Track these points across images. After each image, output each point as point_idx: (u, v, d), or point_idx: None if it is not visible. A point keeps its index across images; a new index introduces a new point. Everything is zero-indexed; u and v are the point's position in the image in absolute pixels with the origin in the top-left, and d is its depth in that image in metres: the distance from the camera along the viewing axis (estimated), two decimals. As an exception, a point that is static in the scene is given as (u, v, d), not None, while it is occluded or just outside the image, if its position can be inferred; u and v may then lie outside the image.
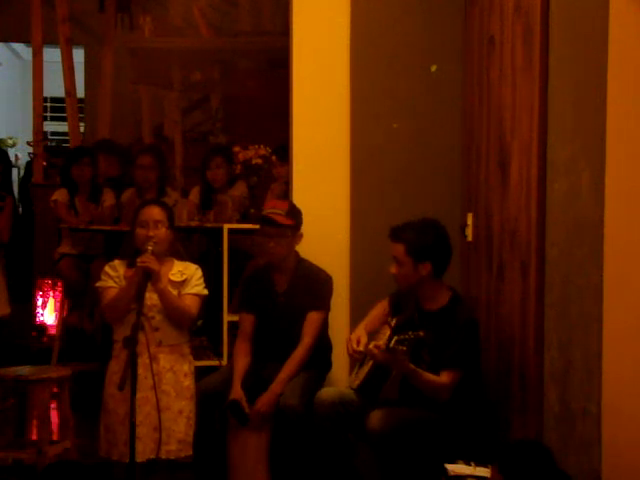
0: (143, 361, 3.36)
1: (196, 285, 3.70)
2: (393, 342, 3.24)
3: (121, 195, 5.65)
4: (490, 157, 3.78)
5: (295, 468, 3.65)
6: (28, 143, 7.67)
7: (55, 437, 4.52)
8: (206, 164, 5.44)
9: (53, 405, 4.81)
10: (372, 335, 3.57)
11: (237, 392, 3.72)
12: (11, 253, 6.08)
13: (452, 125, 4.20)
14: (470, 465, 3.07)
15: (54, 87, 8.12)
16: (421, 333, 3.24)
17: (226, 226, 4.68)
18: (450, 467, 3.06)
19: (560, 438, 3.10)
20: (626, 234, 2.67)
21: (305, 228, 3.94)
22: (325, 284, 3.92)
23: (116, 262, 3.74)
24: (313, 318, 3.83)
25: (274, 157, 5.23)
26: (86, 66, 8.56)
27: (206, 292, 3.75)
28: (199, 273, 3.74)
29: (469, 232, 4.05)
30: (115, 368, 3.60)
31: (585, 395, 2.90)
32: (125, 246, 4.93)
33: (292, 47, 4.25)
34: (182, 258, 3.94)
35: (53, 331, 6.13)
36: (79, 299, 5.71)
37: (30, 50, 7.50)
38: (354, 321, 3.94)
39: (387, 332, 3.45)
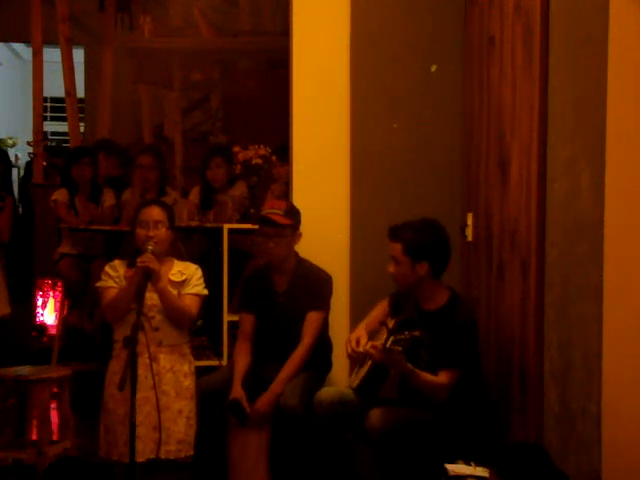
0: (143, 361, 3.36)
1: (196, 285, 3.71)
2: (390, 342, 3.24)
3: (121, 195, 5.65)
4: (490, 157, 3.78)
5: (295, 468, 3.65)
6: (28, 143, 7.68)
7: (55, 437, 4.52)
8: (206, 164, 5.43)
9: (53, 405, 4.80)
10: (372, 335, 3.57)
11: (237, 392, 3.72)
12: (11, 253, 6.09)
13: (452, 125, 4.20)
14: (470, 465, 3.07)
15: (54, 87, 8.13)
16: (417, 333, 3.24)
17: (226, 226, 4.68)
18: (450, 467, 3.07)
19: (560, 438, 3.10)
20: (626, 234, 2.67)
21: (305, 228, 3.94)
22: (325, 284, 3.92)
23: (116, 262, 3.74)
24: (313, 318, 3.83)
25: (274, 157, 5.23)
26: (86, 66, 8.57)
27: (206, 292, 3.75)
28: (199, 273, 3.74)
29: (469, 232, 4.05)
30: (115, 368, 3.60)
31: (585, 395, 2.90)
32: (125, 246, 4.94)
33: (292, 47, 4.26)
34: (183, 258, 3.94)
35: (53, 331, 6.14)
36: (79, 299, 5.71)
37: (30, 50, 7.51)
38: (354, 321, 3.94)
39: (385, 332, 3.45)
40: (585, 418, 2.90)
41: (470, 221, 4.04)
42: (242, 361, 3.86)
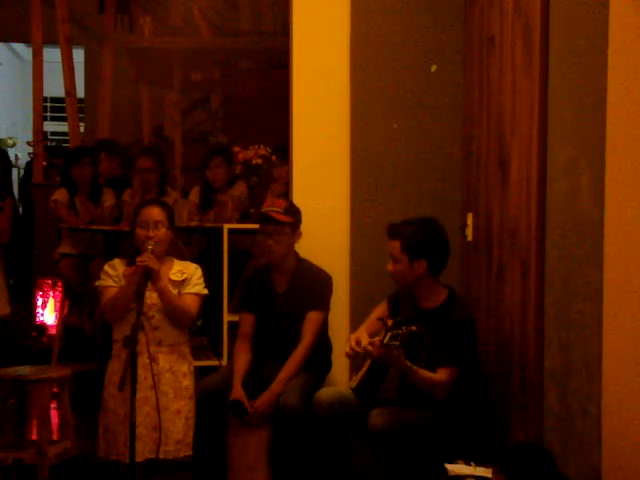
0: (143, 361, 3.36)
1: (196, 284, 3.70)
2: (387, 338, 3.24)
3: (121, 195, 5.65)
4: (490, 157, 3.78)
5: (295, 468, 3.65)
6: (28, 143, 7.69)
7: (55, 437, 4.52)
8: (206, 164, 5.43)
9: (53, 405, 4.80)
10: (373, 337, 3.56)
11: (238, 392, 3.72)
12: (11, 253, 6.09)
13: (452, 125, 4.20)
14: (470, 465, 3.07)
15: (54, 87, 8.14)
16: (414, 328, 3.23)
17: (226, 226, 4.68)
18: (450, 467, 3.07)
19: (560, 438, 3.10)
20: (626, 234, 2.67)
21: (305, 228, 3.94)
22: (325, 284, 3.91)
23: (116, 261, 3.74)
24: (313, 318, 3.83)
25: (274, 157, 5.23)
26: (86, 66, 8.58)
27: (206, 292, 3.75)
28: (199, 273, 3.74)
29: (469, 232, 4.05)
30: (115, 368, 3.60)
31: (585, 395, 2.90)
32: (125, 246, 4.93)
33: (292, 47, 4.26)
34: (184, 258, 3.93)
35: (53, 331, 6.13)
36: (79, 299, 5.70)
37: (30, 50, 7.52)
38: (354, 321, 3.94)
39: (384, 331, 3.45)
40: (585, 418, 2.90)
41: (470, 221, 4.04)
42: (242, 361, 3.85)
